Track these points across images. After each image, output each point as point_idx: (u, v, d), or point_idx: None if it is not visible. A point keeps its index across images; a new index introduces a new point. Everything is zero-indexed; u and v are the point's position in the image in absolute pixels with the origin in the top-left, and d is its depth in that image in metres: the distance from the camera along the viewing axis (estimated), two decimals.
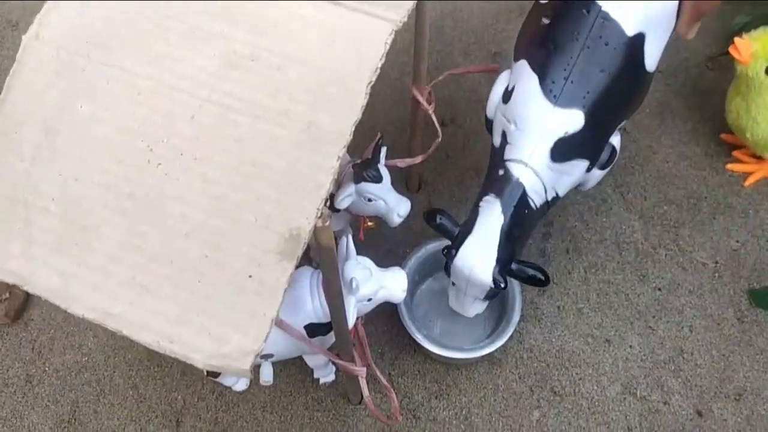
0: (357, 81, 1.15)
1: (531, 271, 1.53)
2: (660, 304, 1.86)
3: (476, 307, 1.65)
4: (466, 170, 2.09)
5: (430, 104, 1.69)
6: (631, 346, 1.81)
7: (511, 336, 1.72)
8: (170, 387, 1.78)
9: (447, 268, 1.58)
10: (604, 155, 1.64)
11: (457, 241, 1.53)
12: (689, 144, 2.12)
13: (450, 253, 1.54)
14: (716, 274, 1.90)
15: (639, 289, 1.89)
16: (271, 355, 1.51)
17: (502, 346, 1.71)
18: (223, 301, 1.07)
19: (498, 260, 1.49)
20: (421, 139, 1.87)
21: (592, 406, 1.73)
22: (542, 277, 1.53)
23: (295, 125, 1.13)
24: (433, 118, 1.70)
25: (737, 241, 1.94)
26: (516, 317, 1.71)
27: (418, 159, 1.76)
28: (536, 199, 1.55)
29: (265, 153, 1.12)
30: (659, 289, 1.89)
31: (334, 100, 1.14)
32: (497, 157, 1.59)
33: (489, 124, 1.68)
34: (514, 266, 1.53)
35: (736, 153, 2.09)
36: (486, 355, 1.71)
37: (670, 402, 1.74)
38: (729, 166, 2.08)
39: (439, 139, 1.73)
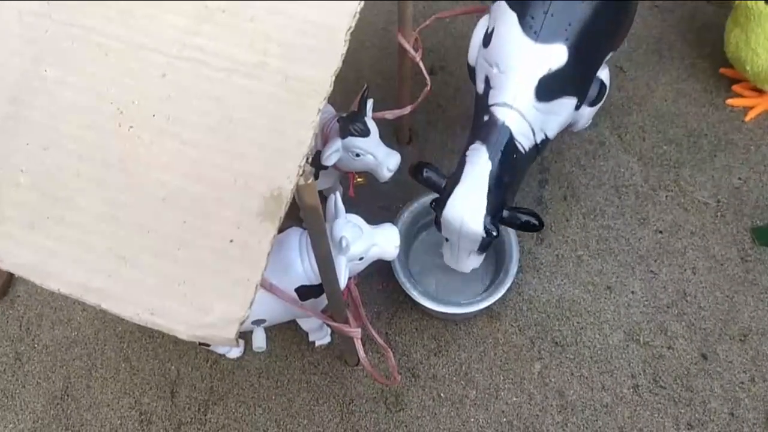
0: (335, 28, 1.09)
1: (524, 217, 1.49)
2: (662, 247, 1.82)
3: (472, 261, 1.60)
4: (458, 119, 2.03)
5: (417, 51, 1.62)
6: (633, 292, 1.77)
7: (510, 288, 1.68)
8: (163, 358, 1.74)
9: (437, 222, 1.53)
10: (593, 91, 1.58)
11: (445, 192, 1.48)
12: (688, 80, 2.06)
13: (439, 205, 1.49)
14: (718, 214, 1.86)
15: (639, 232, 1.84)
16: (263, 321, 1.47)
17: (501, 298, 1.67)
18: (204, 268, 1.03)
19: (488, 208, 1.44)
20: (409, 90, 1.80)
21: (595, 354, 1.70)
22: (536, 222, 1.48)
23: (272, 78, 1.07)
24: (421, 65, 1.63)
25: (739, 179, 1.89)
26: (514, 269, 1.67)
27: (407, 109, 1.70)
28: (524, 142, 1.49)
29: (242, 109, 1.06)
30: (660, 232, 1.84)
31: (311, 50, 1.08)
32: (481, 103, 1.53)
33: (472, 72, 1.62)
34: (505, 213, 1.48)
35: (736, 87, 2.03)
36: (485, 308, 1.67)
37: (674, 346, 1.71)
38: (729, 101, 2.02)
39: (428, 88, 1.67)
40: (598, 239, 1.84)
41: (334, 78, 1.08)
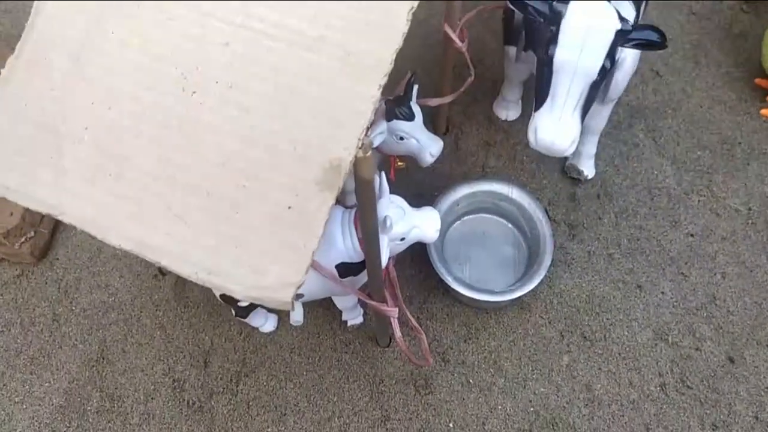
0: (398, 7, 1.11)
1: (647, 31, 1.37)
2: (692, 251, 1.83)
3: (575, 123, 1.44)
4: (493, 113, 2.05)
5: (462, 42, 1.64)
6: (662, 292, 1.78)
7: (541, 281, 1.68)
8: (198, 328, 1.76)
9: (544, 45, 1.38)
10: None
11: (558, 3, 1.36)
12: (723, 88, 2.07)
13: (556, 13, 1.36)
14: (750, 221, 1.86)
15: (671, 235, 1.85)
16: (301, 295, 1.49)
17: (532, 291, 1.68)
18: (261, 232, 1.04)
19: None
20: (450, 80, 1.82)
21: (623, 351, 1.71)
22: (658, 39, 1.37)
23: (333, 52, 1.08)
24: (466, 56, 1.64)
25: None
26: (548, 260, 1.68)
27: (449, 98, 1.72)
28: None
29: (302, 80, 1.08)
30: (692, 235, 1.85)
31: (373, 26, 1.10)
32: None
33: None
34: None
35: None
36: (516, 299, 1.68)
37: (701, 348, 1.71)
38: (763, 111, 2.02)
39: (472, 78, 1.68)
40: (630, 239, 1.85)
41: (395, 56, 1.10)
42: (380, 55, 1.09)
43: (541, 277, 1.67)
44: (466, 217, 1.85)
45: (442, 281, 1.68)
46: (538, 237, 1.72)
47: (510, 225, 1.84)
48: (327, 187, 1.05)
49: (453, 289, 1.67)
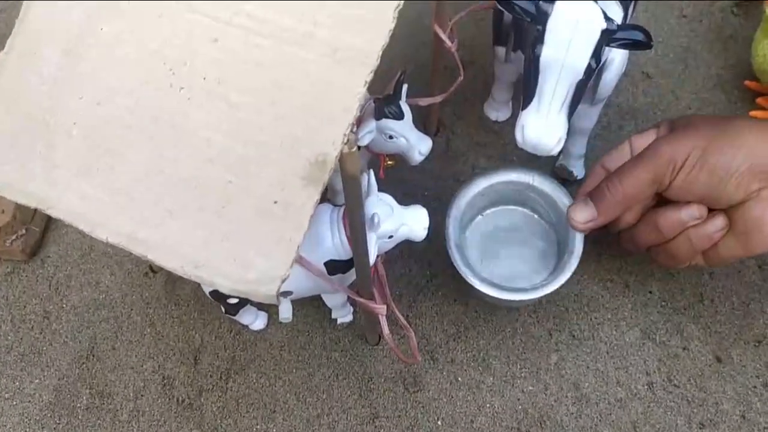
0: (385, 5, 1.12)
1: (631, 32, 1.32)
2: None
3: (560, 121, 1.40)
4: (484, 113, 2.06)
5: (452, 42, 1.65)
6: (650, 292, 1.79)
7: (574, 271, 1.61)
8: (188, 325, 1.77)
9: (533, 46, 1.34)
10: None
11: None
12: (713, 90, 2.08)
13: (542, 14, 1.32)
14: None
15: None
16: (290, 293, 1.50)
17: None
18: (248, 226, 1.06)
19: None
20: (440, 80, 1.83)
21: (611, 350, 1.72)
22: (644, 39, 1.32)
23: (320, 48, 1.10)
24: (456, 56, 1.66)
25: None
26: (579, 247, 1.62)
27: (439, 98, 1.73)
28: None
29: (290, 76, 1.09)
30: None
31: (360, 23, 1.11)
32: None
33: None
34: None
35: (760, 100, 2.05)
36: (550, 293, 1.58)
37: (689, 347, 1.72)
38: (752, 113, 2.04)
39: (461, 78, 1.69)
40: (618, 238, 1.85)
41: (381, 52, 1.11)
42: (367, 51, 1.10)
43: (574, 267, 1.59)
44: (487, 211, 1.79)
45: (429, 281, 1.68)
46: (565, 224, 1.65)
47: (536, 216, 1.80)
48: (312, 181, 1.06)
49: (479, 291, 1.57)
